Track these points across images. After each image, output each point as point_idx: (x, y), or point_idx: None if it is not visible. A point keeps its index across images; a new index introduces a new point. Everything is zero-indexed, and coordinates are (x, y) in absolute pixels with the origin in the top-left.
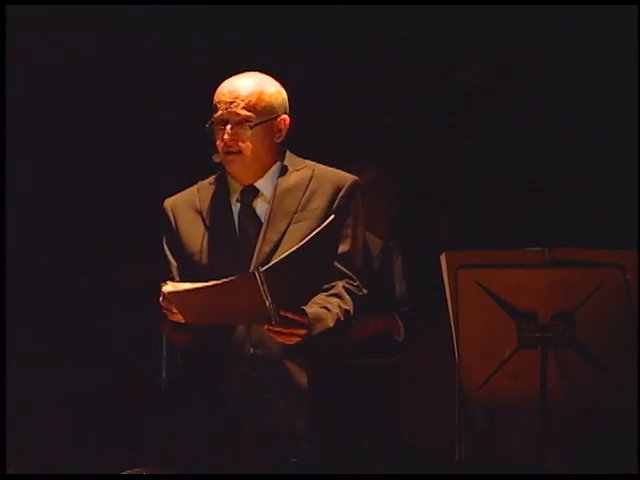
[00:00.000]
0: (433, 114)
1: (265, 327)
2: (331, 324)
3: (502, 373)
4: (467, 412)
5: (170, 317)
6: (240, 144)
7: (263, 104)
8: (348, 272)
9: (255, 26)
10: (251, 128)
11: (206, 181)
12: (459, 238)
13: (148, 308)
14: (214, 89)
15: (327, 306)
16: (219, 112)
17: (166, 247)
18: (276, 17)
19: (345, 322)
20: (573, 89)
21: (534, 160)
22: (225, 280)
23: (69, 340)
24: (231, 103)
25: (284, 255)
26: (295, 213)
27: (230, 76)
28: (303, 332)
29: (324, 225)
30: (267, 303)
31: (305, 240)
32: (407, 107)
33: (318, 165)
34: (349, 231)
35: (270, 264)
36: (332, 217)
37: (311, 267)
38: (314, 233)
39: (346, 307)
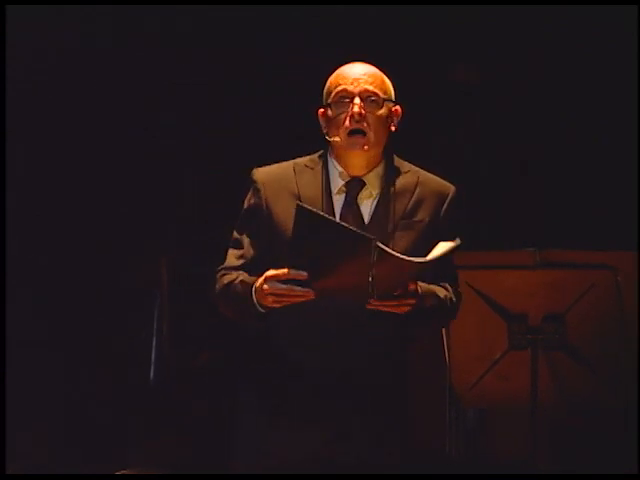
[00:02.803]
0: (431, 114)
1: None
2: (442, 300)
3: (493, 374)
4: (458, 412)
5: (276, 302)
6: (365, 124)
7: (385, 86)
8: (452, 283)
9: (254, 25)
10: (382, 103)
11: (302, 161)
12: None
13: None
14: (214, 88)
15: (435, 287)
16: (343, 86)
17: (248, 226)
18: (276, 16)
19: (450, 310)
20: (573, 89)
21: (525, 161)
22: (346, 225)
23: (69, 341)
24: (358, 79)
25: (403, 257)
26: (401, 219)
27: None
28: (412, 301)
29: (451, 247)
30: (370, 276)
31: (429, 259)
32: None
33: (421, 171)
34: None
35: (388, 250)
36: (457, 242)
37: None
38: (442, 253)
39: (451, 297)
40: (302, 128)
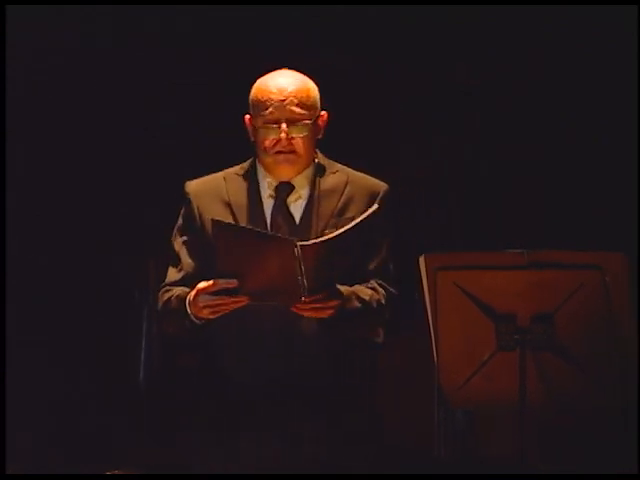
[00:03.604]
0: (416, 114)
1: (293, 308)
2: (366, 302)
3: (481, 375)
4: (447, 413)
5: (208, 313)
6: (294, 143)
7: (311, 100)
8: (386, 280)
9: (252, 25)
10: (310, 126)
11: (232, 170)
12: (439, 240)
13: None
14: (214, 88)
15: (361, 289)
16: (270, 110)
17: (183, 239)
18: (274, 16)
19: (377, 311)
20: (573, 89)
21: (516, 161)
22: (266, 232)
23: (69, 341)
24: (283, 101)
25: (324, 238)
26: (331, 217)
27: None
28: (334, 303)
29: (367, 214)
30: (299, 276)
31: (347, 227)
32: (391, 107)
33: (350, 170)
34: (383, 240)
35: (309, 242)
36: (375, 207)
37: (344, 260)
38: (357, 221)
39: (379, 298)
40: None
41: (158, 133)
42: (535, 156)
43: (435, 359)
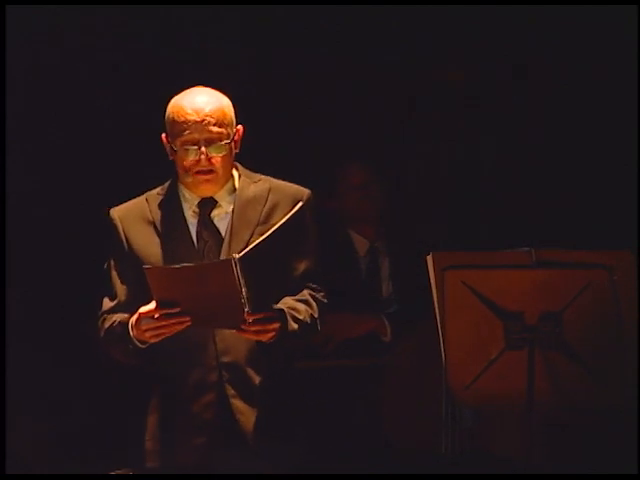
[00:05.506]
0: (419, 114)
1: (237, 331)
2: (301, 321)
3: (489, 373)
4: (454, 412)
5: (147, 336)
6: (213, 162)
7: (228, 118)
8: (314, 285)
9: (245, 25)
10: (228, 144)
11: (154, 191)
12: (446, 239)
13: None
14: (216, 88)
15: (296, 307)
16: (188, 132)
17: (113, 266)
18: (275, 16)
19: (311, 327)
20: (573, 89)
21: (520, 160)
22: (202, 263)
23: (69, 340)
24: (201, 122)
25: (258, 240)
26: (257, 225)
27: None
28: (277, 325)
29: (294, 212)
30: (241, 292)
31: (276, 226)
32: (393, 107)
33: (273, 179)
34: (311, 244)
35: (246, 250)
36: (300, 204)
37: (280, 262)
38: (284, 219)
39: (312, 312)
40: (302, 129)
41: (158, 133)
42: (541, 156)
43: (443, 357)
